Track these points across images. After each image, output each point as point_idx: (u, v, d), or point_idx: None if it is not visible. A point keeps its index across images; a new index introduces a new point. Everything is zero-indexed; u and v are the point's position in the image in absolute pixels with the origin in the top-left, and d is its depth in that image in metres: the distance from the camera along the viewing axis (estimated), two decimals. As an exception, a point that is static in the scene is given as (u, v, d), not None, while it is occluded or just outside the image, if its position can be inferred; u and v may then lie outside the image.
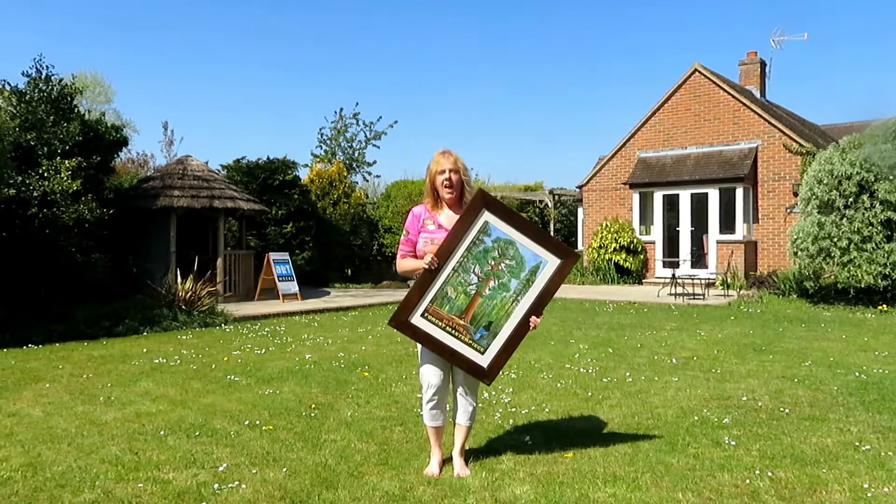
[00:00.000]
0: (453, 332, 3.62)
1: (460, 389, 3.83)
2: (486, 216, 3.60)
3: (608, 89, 62.38)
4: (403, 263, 3.82)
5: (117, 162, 17.02)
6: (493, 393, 5.71)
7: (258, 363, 7.32)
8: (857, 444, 4.28)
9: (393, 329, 3.70)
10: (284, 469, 3.88)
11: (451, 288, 3.61)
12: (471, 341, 3.65)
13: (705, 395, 5.65)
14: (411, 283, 3.81)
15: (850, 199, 12.52)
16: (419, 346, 3.76)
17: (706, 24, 60.36)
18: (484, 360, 3.67)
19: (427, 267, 3.58)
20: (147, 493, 3.55)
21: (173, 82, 53.01)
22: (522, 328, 3.69)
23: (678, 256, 18.23)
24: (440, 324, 3.62)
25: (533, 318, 3.68)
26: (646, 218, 19.30)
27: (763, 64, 21.49)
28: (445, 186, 3.73)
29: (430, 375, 3.76)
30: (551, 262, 3.68)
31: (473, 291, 3.62)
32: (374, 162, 38.54)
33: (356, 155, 28.32)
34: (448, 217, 3.77)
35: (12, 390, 6.06)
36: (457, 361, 3.66)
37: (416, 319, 3.63)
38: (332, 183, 20.92)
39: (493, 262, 3.63)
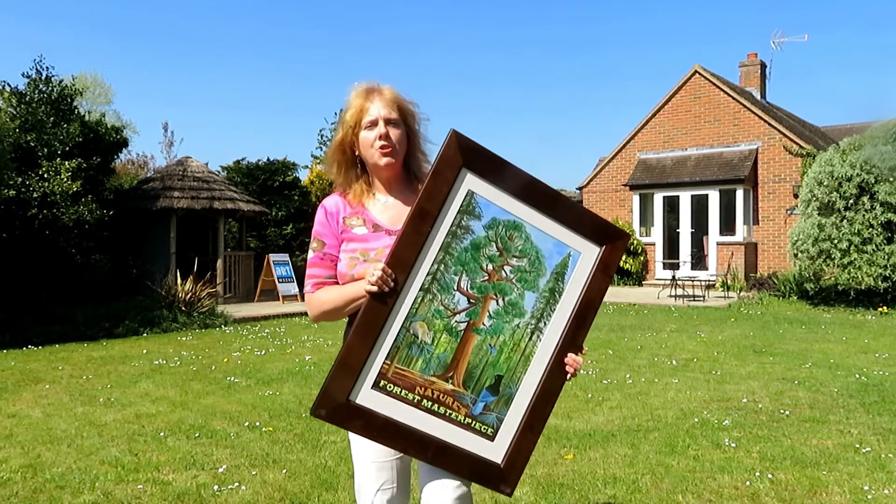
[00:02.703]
0: (436, 407, 1.90)
1: (430, 480, 1.98)
2: (469, 181, 1.91)
3: (608, 90, 62.46)
4: (319, 299, 2.04)
5: (117, 163, 17.03)
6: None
7: (258, 364, 7.32)
8: (858, 445, 4.28)
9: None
10: (284, 470, 3.88)
11: (421, 325, 1.89)
12: (468, 419, 1.93)
13: (705, 397, 5.65)
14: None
15: (851, 201, 12.52)
16: (353, 436, 2.05)
17: (706, 24, 60.44)
18: (496, 451, 1.95)
19: (373, 289, 1.79)
20: (147, 494, 3.55)
21: (173, 83, 53.09)
22: (556, 379, 1.96)
23: (678, 258, 18.23)
24: (411, 396, 1.88)
25: (571, 358, 1.96)
26: (646, 219, 19.31)
27: (763, 65, 21.50)
28: (381, 149, 2.01)
29: (374, 490, 2.02)
30: (587, 252, 2.01)
31: (463, 326, 1.91)
32: (375, 163, 38.51)
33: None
34: (389, 208, 2.09)
35: (12, 391, 6.06)
36: (447, 463, 1.93)
37: (366, 396, 1.85)
38: (332, 184, 20.86)
39: (490, 268, 1.93)
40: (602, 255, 2.02)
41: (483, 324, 1.93)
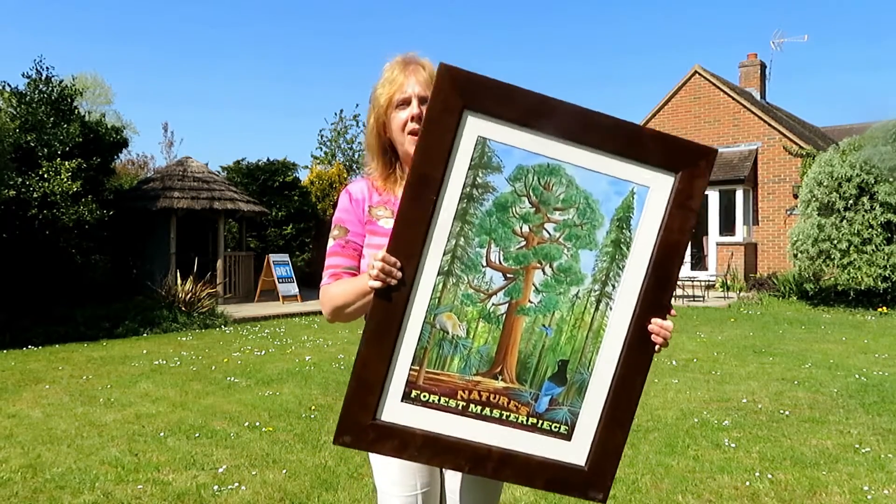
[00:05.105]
0: (488, 411, 1.56)
1: None
2: (477, 125, 1.49)
3: (608, 90, 62.46)
4: (330, 292, 1.75)
5: (117, 163, 17.02)
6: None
7: (258, 365, 7.32)
8: (857, 446, 4.28)
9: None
10: (284, 470, 3.88)
11: (448, 317, 1.53)
12: (533, 419, 1.58)
13: (705, 397, 5.65)
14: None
15: (850, 202, 12.52)
16: (377, 471, 1.83)
17: (706, 24, 60.47)
18: (577, 452, 1.60)
19: (376, 284, 1.48)
20: (147, 494, 3.55)
21: (173, 83, 53.09)
22: (639, 354, 1.58)
23: (678, 258, 18.22)
24: (453, 403, 1.55)
25: (657, 325, 1.55)
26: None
27: (763, 66, 21.50)
28: (412, 133, 1.72)
29: None
30: (657, 185, 1.56)
31: (504, 308, 1.54)
32: (375, 163, 38.54)
33: (356, 157, 28.34)
34: None
35: (12, 391, 6.06)
36: (514, 474, 1.59)
37: (396, 411, 1.54)
38: (332, 184, 20.93)
39: (526, 230, 1.53)
40: (679, 184, 1.55)
41: (529, 301, 1.54)
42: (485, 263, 1.52)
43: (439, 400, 1.54)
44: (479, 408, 1.55)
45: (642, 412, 5.14)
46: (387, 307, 1.50)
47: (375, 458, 1.79)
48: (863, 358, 7.52)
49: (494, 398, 1.55)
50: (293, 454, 4.18)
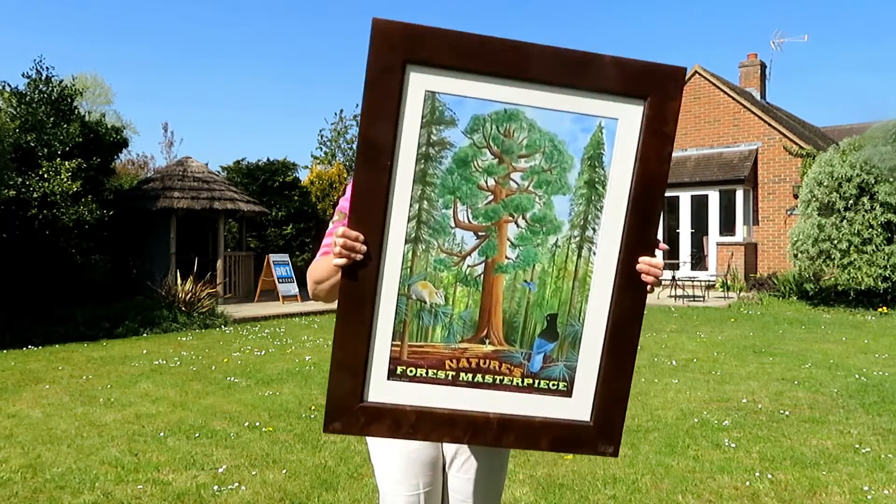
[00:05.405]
0: (480, 377, 1.50)
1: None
2: (422, 80, 1.40)
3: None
4: (314, 265, 1.73)
5: (117, 163, 17.03)
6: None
7: (258, 365, 7.32)
8: (857, 446, 4.28)
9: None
10: (284, 470, 3.88)
11: (423, 285, 1.47)
12: (529, 379, 1.51)
13: (705, 398, 5.65)
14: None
15: (851, 202, 12.52)
16: (377, 465, 1.80)
17: (706, 24, 60.48)
18: (580, 408, 1.53)
19: (340, 262, 1.42)
20: (147, 494, 3.55)
21: (173, 83, 53.09)
22: (631, 296, 1.50)
23: (678, 258, 18.23)
24: (442, 374, 1.49)
25: (645, 263, 1.48)
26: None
27: (763, 66, 21.50)
28: None
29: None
30: (625, 115, 1.45)
31: (480, 269, 1.47)
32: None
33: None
34: None
35: (12, 391, 6.06)
36: (518, 440, 1.53)
37: (384, 390, 1.48)
38: (333, 184, 20.93)
39: (492, 183, 1.45)
40: (649, 111, 1.44)
41: (507, 257, 1.47)
42: (453, 224, 1.45)
43: (427, 373, 1.48)
44: (470, 375, 1.49)
45: (642, 412, 5.14)
46: (356, 284, 1.44)
47: (377, 458, 1.79)
48: (863, 358, 7.52)
49: (485, 363, 1.49)
50: (293, 454, 4.18)
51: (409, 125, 1.40)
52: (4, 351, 8.34)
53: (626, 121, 1.44)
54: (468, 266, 1.46)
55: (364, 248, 1.41)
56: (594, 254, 1.48)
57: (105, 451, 4.29)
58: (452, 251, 1.45)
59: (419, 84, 1.39)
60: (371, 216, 1.41)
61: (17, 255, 10.11)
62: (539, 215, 1.46)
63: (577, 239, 1.47)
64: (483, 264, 1.46)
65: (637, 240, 1.47)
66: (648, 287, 1.49)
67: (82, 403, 5.58)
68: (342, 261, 1.41)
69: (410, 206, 1.42)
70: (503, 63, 1.38)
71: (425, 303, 1.46)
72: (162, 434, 4.64)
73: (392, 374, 1.47)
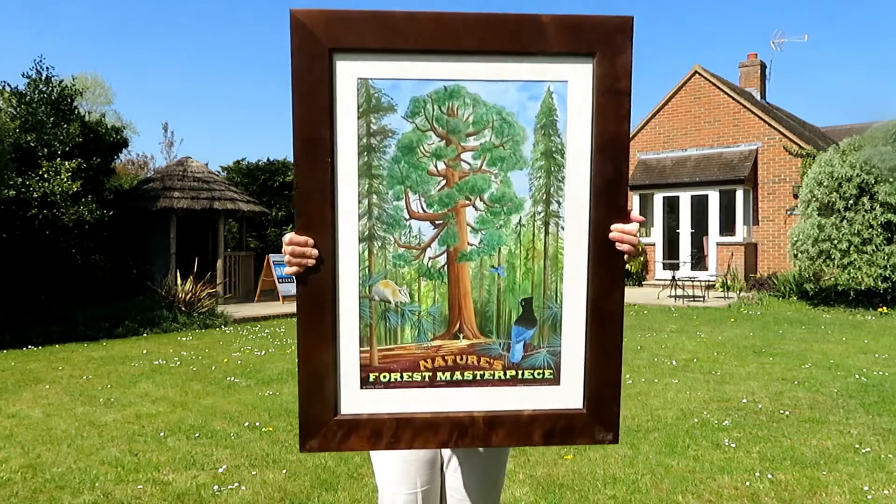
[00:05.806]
0: (458, 375, 1.41)
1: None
2: (351, 67, 1.32)
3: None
4: None
5: (117, 163, 17.03)
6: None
7: (258, 365, 7.32)
8: (857, 446, 4.28)
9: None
10: (284, 471, 3.88)
11: (385, 284, 1.39)
12: (511, 371, 1.42)
13: (705, 398, 5.65)
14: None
15: (851, 202, 12.53)
16: (377, 470, 1.79)
17: (706, 24, 60.48)
18: (571, 395, 1.43)
19: (293, 270, 1.39)
20: (147, 494, 3.55)
21: (173, 83, 53.08)
22: (608, 268, 1.39)
23: (678, 258, 18.23)
24: (417, 376, 1.40)
25: (618, 230, 1.37)
26: (646, 220, 19.30)
27: (763, 66, 21.50)
28: None
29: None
30: (575, 75, 1.35)
31: (443, 259, 1.39)
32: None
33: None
34: None
35: (12, 391, 6.06)
36: (507, 436, 1.42)
37: (357, 401, 1.40)
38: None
39: (442, 167, 1.37)
40: (599, 68, 1.33)
41: (469, 244, 1.37)
42: (408, 216, 1.36)
43: (402, 377, 1.38)
44: (448, 374, 1.39)
45: (642, 412, 5.14)
46: (313, 291, 1.35)
47: (376, 458, 1.80)
48: (863, 358, 7.52)
49: (462, 359, 1.39)
50: (293, 454, 4.18)
51: (344, 117, 1.32)
52: (4, 351, 8.34)
53: (576, 82, 1.34)
54: (429, 258, 1.37)
55: (315, 252, 1.35)
56: (562, 228, 1.38)
57: (105, 451, 4.29)
58: (411, 244, 1.36)
59: (349, 72, 1.31)
60: (318, 218, 1.35)
61: (17, 254, 10.12)
62: (497, 195, 1.36)
63: (542, 215, 1.38)
64: (445, 254, 1.37)
65: (606, 207, 1.36)
66: (625, 256, 1.39)
67: (82, 403, 5.58)
68: (293, 269, 1.35)
69: (359, 202, 1.35)
70: (434, 37, 1.29)
71: (389, 302, 1.38)
72: (162, 434, 4.64)
73: (365, 383, 1.38)
